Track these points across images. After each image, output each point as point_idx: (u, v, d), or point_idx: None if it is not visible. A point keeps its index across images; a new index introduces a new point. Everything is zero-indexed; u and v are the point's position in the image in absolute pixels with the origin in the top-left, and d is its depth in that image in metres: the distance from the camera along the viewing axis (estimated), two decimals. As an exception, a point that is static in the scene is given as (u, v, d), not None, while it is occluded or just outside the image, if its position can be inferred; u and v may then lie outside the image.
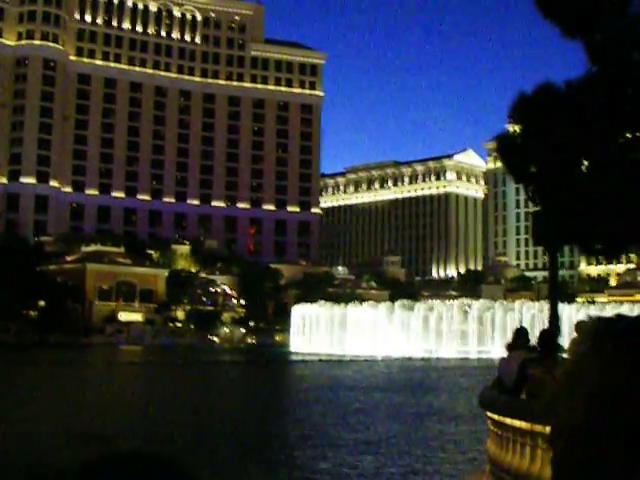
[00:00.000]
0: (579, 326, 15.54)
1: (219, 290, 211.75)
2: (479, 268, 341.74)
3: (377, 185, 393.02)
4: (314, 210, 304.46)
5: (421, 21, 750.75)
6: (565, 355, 14.58)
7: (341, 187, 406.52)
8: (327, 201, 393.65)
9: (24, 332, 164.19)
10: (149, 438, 33.55)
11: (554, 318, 23.11)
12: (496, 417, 15.20)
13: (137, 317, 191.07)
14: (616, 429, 2.04)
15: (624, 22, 19.45)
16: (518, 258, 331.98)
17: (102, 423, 38.96)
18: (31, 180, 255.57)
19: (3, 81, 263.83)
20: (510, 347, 16.39)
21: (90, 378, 78.32)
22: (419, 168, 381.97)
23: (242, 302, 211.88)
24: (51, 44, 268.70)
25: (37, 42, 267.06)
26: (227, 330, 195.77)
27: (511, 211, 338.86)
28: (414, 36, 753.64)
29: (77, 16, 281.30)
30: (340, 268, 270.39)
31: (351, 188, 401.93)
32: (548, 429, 11.44)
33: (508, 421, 14.41)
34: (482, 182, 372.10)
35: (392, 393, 62.25)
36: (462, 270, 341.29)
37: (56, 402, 52.31)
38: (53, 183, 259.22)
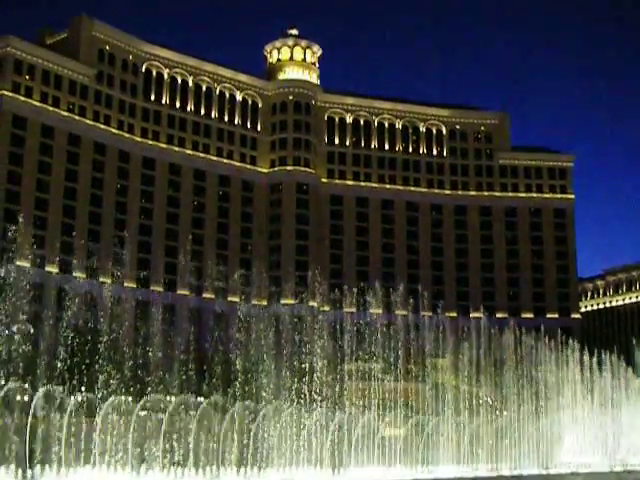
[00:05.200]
0: None
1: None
2: None
3: (638, 286, 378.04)
4: (574, 315, 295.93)
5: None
6: None
7: (600, 290, 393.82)
8: (587, 305, 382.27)
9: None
10: None
11: None
12: None
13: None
14: None
15: None
16: None
17: None
18: (290, 301, 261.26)
19: (259, 207, 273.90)
20: None
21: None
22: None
23: None
24: (303, 168, 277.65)
25: (289, 167, 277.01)
26: None
27: None
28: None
29: (326, 140, 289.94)
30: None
31: (611, 290, 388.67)
32: None
33: None
34: None
35: None
36: None
37: None
38: (312, 303, 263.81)
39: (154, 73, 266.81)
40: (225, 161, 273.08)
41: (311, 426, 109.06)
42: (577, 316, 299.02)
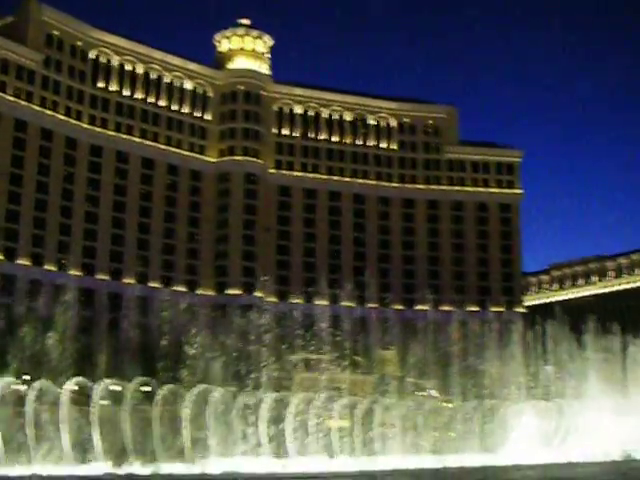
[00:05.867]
0: None
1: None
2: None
3: (581, 281, 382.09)
4: (518, 309, 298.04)
5: (620, 114, 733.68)
6: None
7: (544, 285, 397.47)
8: (530, 300, 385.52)
9: None
10: None
11: None
12: None
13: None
14: None
15: None
16: None
17: None
18: (237, 291, 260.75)
19: (207, 197, 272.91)
20: None
21: None
22: (623, 262, 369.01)
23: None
24: (251, 159, 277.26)
25: (238, 157, 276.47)
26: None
27: None
28: (614, 128, 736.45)
29: (275, 130, 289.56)
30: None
31: (555, 285, 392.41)
32: None
33: None
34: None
35: None
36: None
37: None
38: (258, 294, 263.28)
39: (103, 60, 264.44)
40: (174, 150, 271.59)
41: (242, 410, 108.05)
42: (521, 310, 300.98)
